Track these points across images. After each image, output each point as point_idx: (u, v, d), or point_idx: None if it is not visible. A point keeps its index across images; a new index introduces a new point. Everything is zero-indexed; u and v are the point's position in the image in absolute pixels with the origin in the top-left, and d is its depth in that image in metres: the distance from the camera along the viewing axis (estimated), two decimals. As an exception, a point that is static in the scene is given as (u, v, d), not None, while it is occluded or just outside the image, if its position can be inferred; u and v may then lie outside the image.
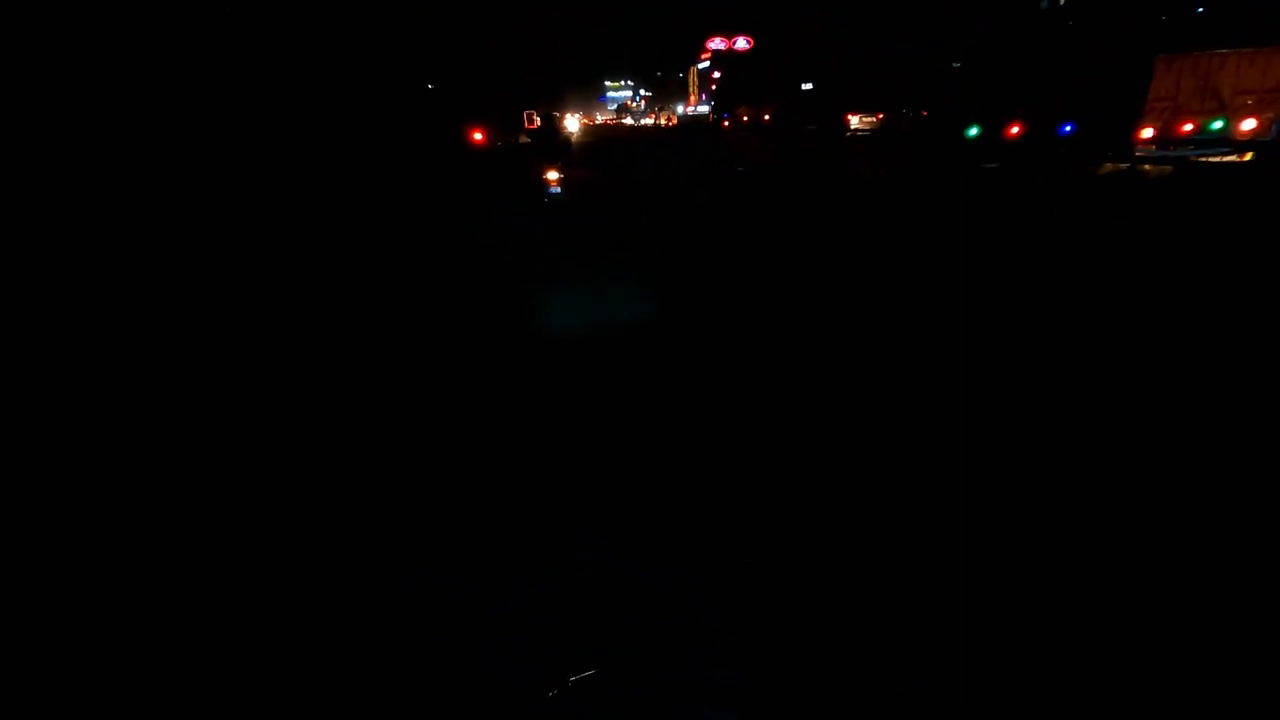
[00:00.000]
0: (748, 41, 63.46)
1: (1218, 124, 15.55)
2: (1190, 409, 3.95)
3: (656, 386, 4.68)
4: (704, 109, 75.37)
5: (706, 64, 71.79)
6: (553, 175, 13.27)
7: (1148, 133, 16.11)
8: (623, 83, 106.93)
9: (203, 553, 2.98)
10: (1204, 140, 15.86)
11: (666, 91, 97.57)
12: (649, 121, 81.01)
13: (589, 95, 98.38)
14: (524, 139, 18.10)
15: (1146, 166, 14.51)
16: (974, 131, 20.87)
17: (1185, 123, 15.74)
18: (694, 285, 7.35)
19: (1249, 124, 15.39)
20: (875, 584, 2.68)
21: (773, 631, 2.44)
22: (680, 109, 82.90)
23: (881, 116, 36.44)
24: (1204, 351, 4.80)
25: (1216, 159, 14.83)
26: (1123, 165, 14.86)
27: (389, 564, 2.86)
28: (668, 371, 4.96)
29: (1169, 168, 14.03)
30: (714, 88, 68.39)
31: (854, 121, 37.66)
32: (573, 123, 54.75)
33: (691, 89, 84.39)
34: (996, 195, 12.94)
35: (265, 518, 3.23)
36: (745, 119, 56.87)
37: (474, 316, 6.46)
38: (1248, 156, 14.89)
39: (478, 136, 17.54)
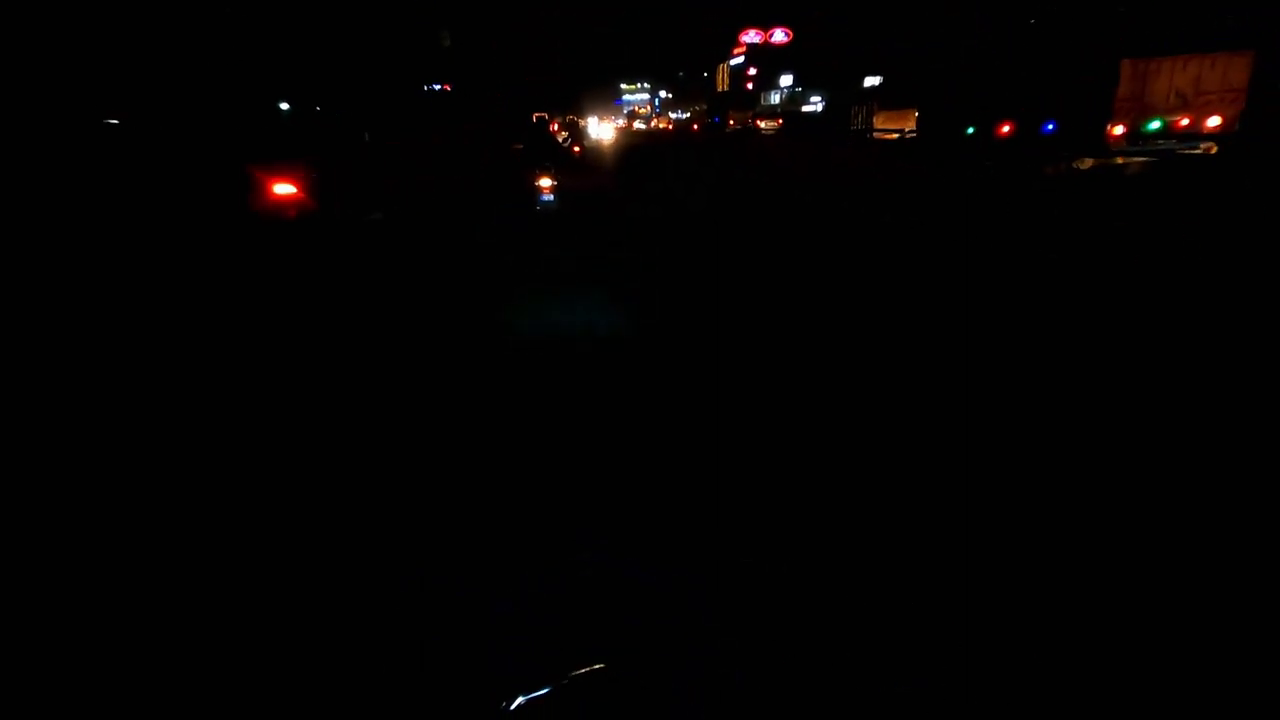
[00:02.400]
0: (786, 33, 55.16)
1: (1184, 120, 15.80)
2: (1198, 407, 3.74)
3: (655, 387, 4.47)
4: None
5: (739, 60, 62.08)
6: (545, 182, 11.85)
7: (1119, 130, 16.29)
8: (639, 85, 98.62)
9: (201, 553, 2.79)
10: (1172, 135, 16.12)
11: (688, 93, 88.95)
12: (653, 124, 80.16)
13: (605, 99, 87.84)
14: (517, 145, 15.20)
15: (1119, 160, 15.05)
16: (970, 131, 20.71)
17: (1153, 119, 15.97)
18: (692, 290, 7.12)
19: (1214, 120, 15.68)
20: (875, 584, 2.49)
21: (773, 632, 2.25)
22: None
23: (780, 121, 43.63)
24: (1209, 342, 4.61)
25: (1187, 151, 15.46)
26: (1102, 160, 15.26)
27: (389, 564, 2.67)
28: (666, 372, 4.74)
29: (1145, 160, 14.57)
30: (749, 85, 59.59)
31: (762, 125, 45.63)
32: (605, 129, 46.30)
33: (720, 87, 74.48)
34: (994, 193, 12.84)
35: (265, 518, 3.05)
36: (732, 123, 55.07)
37: (471, 318, 6.21)
38: (1214, 149, 15.51)
39: (281, 190, 7.52)
